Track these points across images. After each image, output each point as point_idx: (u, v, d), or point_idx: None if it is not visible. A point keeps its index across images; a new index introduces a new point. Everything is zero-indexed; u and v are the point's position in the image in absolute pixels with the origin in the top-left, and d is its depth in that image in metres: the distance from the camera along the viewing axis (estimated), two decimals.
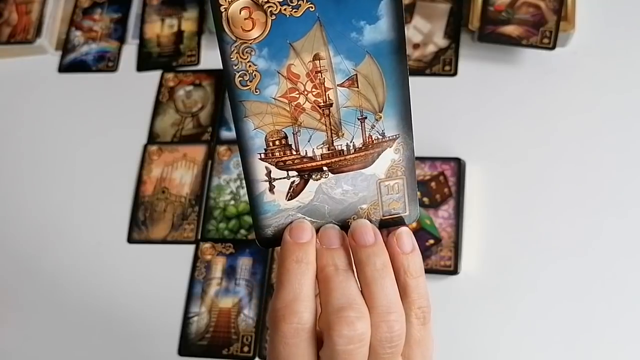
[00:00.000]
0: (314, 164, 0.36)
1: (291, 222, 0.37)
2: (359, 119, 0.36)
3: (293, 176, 0.36)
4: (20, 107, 0.87)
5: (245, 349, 0.68)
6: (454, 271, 0.65)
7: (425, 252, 0.65)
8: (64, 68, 0.88)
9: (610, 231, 0.65)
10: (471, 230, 0.67)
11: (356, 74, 0.35)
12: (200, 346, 0.70)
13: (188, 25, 0.86)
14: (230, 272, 0.72)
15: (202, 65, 0.84)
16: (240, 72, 0.34)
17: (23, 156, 0.84)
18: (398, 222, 0.38)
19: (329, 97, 0.35)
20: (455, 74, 0.75)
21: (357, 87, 0.35)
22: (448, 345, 0.65)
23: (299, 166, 0.36)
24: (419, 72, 0.75)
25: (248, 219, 0.74)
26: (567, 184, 0.68)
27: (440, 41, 0.76)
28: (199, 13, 0.86)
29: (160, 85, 0.83)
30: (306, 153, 0.36)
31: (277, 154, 0.36)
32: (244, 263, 0.72)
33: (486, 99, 0.73)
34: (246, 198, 0.74)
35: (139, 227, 0.76)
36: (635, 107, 0.69)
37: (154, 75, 0.84)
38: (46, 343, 0.74)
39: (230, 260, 0.72)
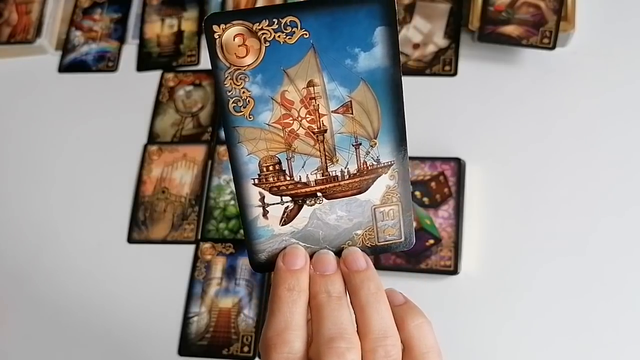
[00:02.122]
0: (307, 189, 0.36)
1: (285, 248, 0.37)
2: (353, 145, 0.36)
3: (287, 201, 0.36)
4: (20, 107, 0.87)
5: (245, 349, 0.68)
6: (454, 271, 0.65)
7: (425, 252, 0.65)
8: (64, 68, 0.88)
9: (610, 231, 0.65)
10: (471, 230, 0.67)
11: (351, 101, 0.35)
12: (200, 346, 0.70)
13: (188, 25, 0.86)
14: (230, 272, 0.72)
15: (202, 65, 0.84)
16: (234, 98, 0.34)
17: (23, 156, 0.84)
18: (393, 248, 0.38)
19: (323, 123, 0.35)
20: (455, 74, 0.75)
21: (352, 114, 0.35)
22: (447, 346, 0.65)
23: (292, 192, 0.36)
24: (419, 72, 0.75)
25: None
26: (567, 183, 0.68)
27: (440, 41, 0.76)
28: (199, 13, 0.86)
29: (160, 85, 0.83)
30: (300, 179, 0.36)
31: (271, 179, 0.36)
32: (244, 263, 0.72)
33: (486, 99, 0.73)
34: None
35: (139, 227, 0.76)
36: (635, 107, 0.69)
37: (154, 75, 0.84)
38: (45, 343, 0.74)
39: (230, 260, 0.72)
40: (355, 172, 0.36)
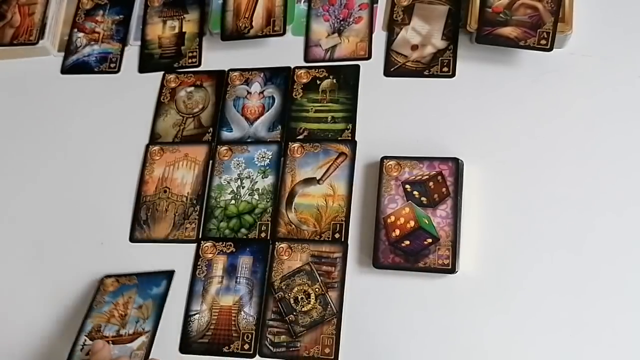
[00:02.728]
0: (106, 339, 0.70)
1: None
2: (135, 322, 0.71)
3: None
4: (23, 108, 0.88)
5: (246, 346, 0.69)
6: (451, 270, 0.65)
7: (424, 251, 0.66)
8: (66, 69, 0.88)
9: (607, 230, 0.66)
10: (469, 229, 0.68)
11: (143, 305, 0.72)
12: (201, 344, 0.70)
13: (189, 26, 0.87)
14: (231, 270, 0.72)
15: (203, 67, 0.84)
16: (96, 301, 0.73)
17: (26, 157, 0.85)
18: None
19: (127, 314, 0.71)
20: (453, 75, 0.75)
21: (140, 310, 0.71)
22: (446, 343, 0.66)
23: (98, 338, 0.70)
24: (418, 73, 0.76)
25: (248, 218, 0.74)
26: (564, 183, 0.68)
27: (439, 42, 0.77)
28: (200, 15, 0.87)
29: (162, 86, 0.84)
30: (106, 334, 0.70)
31: (93, 333, 0.70)
32: (245, 262, 0.73)
33: (484, 100, 0.74)
34: (246, 197, 0.75)
35: (141, 227, 0.77)
36: (632, 107, 0.70)
37: (156, 77, 0.85)
38: (47, 342, 0.75)
39: (231, 258, 0.73)
40: (132, 333, 0.70)
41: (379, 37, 0.80)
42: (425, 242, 0.66)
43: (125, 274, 0.74)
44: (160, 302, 0.71)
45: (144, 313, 0.71)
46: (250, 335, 0.69)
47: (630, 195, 0.67)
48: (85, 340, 0.70)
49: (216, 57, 0.84)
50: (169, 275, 0.73)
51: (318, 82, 0.79)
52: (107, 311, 0.72)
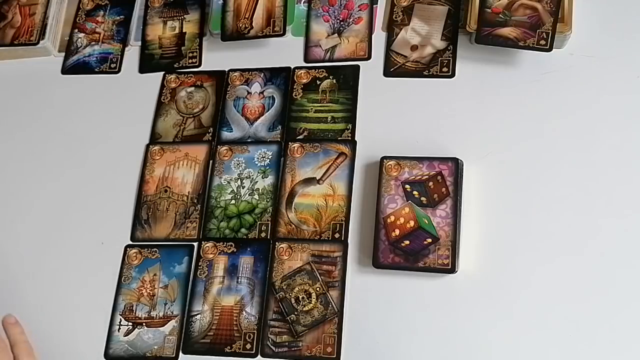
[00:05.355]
0: (140, 321, 0.73)
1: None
2: (164, 304, 0.73)
3: (129, 325, 0.73)
4: (24, 108, 0.88)
5: (248, 346, 0.69)
6: (451, 269, 0.65)
7: (423, 251, 0.66)
8: (67, 70, 0.89)
9: (606, 230, 0.66)
10: (468, 229, 0.68)
11: (168, 284, 0.74)
12: (203, 344, 0.71)
13: (190, 27, 0.87)
14: (232, 270, 0.73)
15: (203, 67, 0.85)
16: (124, 276, 0.75)
17: (27, 157, 0.85)
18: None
19: (155, 294, 0.74)
20: (453, 75, 0.76)
21: (167, 291, 0.74)
22: (446, 342, 0.66)
23: (133, 321, 0.73)
24: (417, 73, 0.76)
25: (249, 218, 0.75)
26: (564, 183, 0.69)
27: (438, 43, 0.77)
28: (200, 15, 0.87)
29: (162, 86, 0.84)
30: (139, 315, 0.73)
31: (127, 313, 0.74)
32: (246, 261, 0.73)
33: (483, 100, 0.74)
34: (247, 197, 0.75)
35: (142, 226, 0.77)
36: (631, 108, 0.70)
37: (156, 77, 0.85)
38: (49, 341, 0.75)
39: (232, 258, 0.73)
40: (162, 316, 0.73)
41: (379, 38, 0.80)
42: (425, 242, 0.66)
43: (147, 244, 0.76)
44: (185, 282, 0.73)
45: (170, 294, 0.73)
46: (252, 335, 0.69)
47: (629, 194, 0.67)
48: (121, 320, 0.73)
49: (216, 57, 0.85)
50: (189, 250, 0.75)
51: (318, 82, 0.80)
52: (135, 289, 0.74)
